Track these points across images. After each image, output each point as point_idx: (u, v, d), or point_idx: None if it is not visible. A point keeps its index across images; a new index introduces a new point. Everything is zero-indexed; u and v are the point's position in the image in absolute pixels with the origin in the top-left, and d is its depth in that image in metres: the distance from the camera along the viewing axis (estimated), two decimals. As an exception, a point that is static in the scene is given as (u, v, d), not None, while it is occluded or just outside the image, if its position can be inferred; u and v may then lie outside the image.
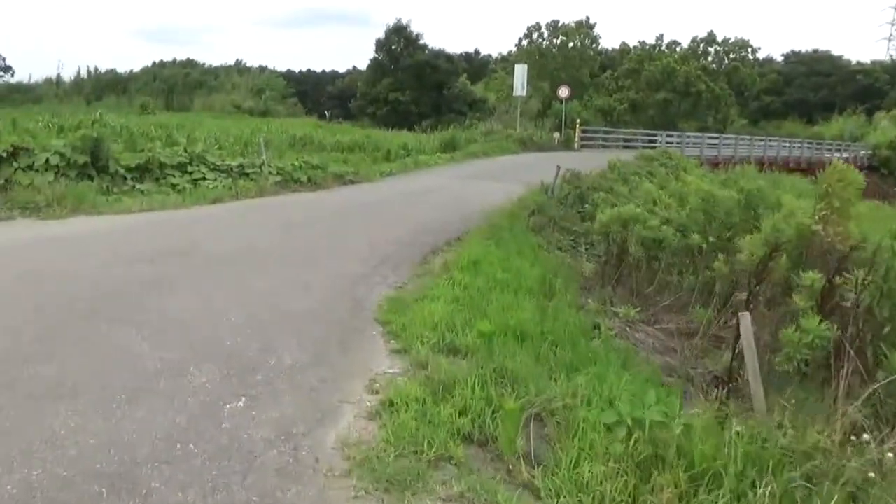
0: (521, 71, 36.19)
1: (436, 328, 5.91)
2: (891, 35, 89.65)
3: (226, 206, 12.90)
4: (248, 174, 15.24)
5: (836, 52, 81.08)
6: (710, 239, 8.51)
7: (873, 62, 77.92)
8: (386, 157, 25.12)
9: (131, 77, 74.55)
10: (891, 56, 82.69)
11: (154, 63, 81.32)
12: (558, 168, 14.44)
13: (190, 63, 79.62)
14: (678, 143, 38.65)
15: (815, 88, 75.39)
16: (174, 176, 14.34)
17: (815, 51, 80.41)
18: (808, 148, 49.03)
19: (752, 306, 6.11)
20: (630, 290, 8.55)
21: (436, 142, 30.18)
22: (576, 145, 35.53)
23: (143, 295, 6.58)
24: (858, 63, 78.10)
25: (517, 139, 32.59)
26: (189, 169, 14.74)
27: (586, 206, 13.43)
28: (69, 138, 14.07)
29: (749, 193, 10.16)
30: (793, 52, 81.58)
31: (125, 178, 13.70)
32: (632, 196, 15.68)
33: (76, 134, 14.25)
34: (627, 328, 7.15)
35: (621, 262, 8.97)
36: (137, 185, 13.65)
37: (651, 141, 40.30)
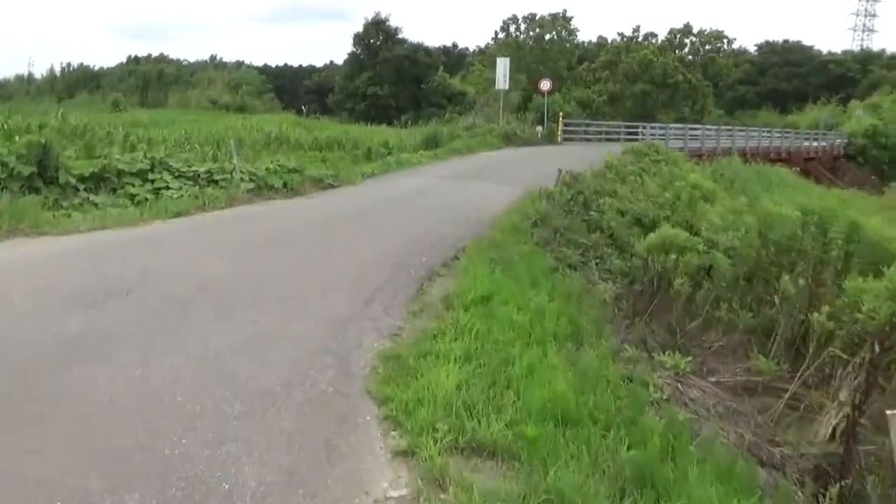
0: (503, 64, 34.52)
1: (449, 409, 4.34)
2: (856, 25, 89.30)
3: (190, 220, 11.16)
4: (217, 181, 13.49)
5: (807, 43, 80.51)
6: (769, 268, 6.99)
7: (844, 52, 77.41)
8: (366, 155, 23.42)
9: (105, 73, 71.84)
10: (860, 46, 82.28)
11: (129, 58, 78.61)
12: (560, 172, 12.90)
13: (165, 59, 77.11)
14: (661, 135, 37.20)
15: (788, 78, 74.64)
16: (133, 185, 12.59)
17: (787, 41, 79.77)
18: (787, 137, 47.91)
19: (869, 378, 4.60)
20: (667, 325, 7.03)
21: (417, 138, 28.48)
22: (559, 139, 34.03)
23: (57, 370, 4.88)
24: (829, 53, 77.53)
25: (500, 134, 31.00)
26: (151, 177, 12.99)
27: (592, 213, 11.89)
28: (14, 145, 12.25)
29: (820, 215, 8.44)
30: (766, 42, 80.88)
31: (77, 190, 11.95)
32: (636, 198, 14.18)
33: (21, 141, 12.41)
34: (679, 384, 5.62)
35: (657, 290, 7.43)
36: (91, 198, 11.89)
37: (632, 133, 38.87)
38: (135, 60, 76.45)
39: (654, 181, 16.26)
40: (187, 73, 74.32)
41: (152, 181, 12.87)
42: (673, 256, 7.56)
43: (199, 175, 13.51)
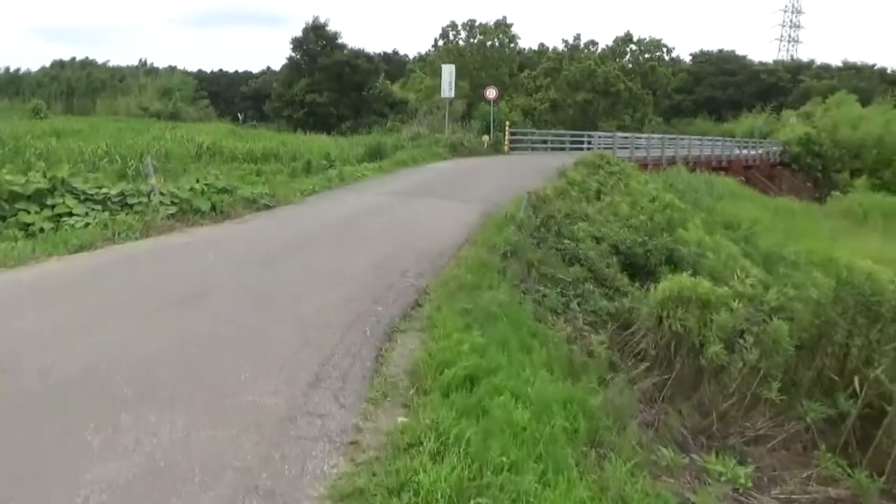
0: (448, 71, 32.97)
1: None
2: (782, 36, 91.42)
3: (93, 256, 9.15)
4: (131, 205, 11.47)
5: (739, 52, 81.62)
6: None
7: (775, 62, 78.70)
8: (306, 168, 21.56)
9: (26, 77, 67.50)
10: (790, 56, 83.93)
11: (53, 63, 74.18)
12: (528, 195, 11.36)
13: (92, 63, 72.92)
14: (608, 144, 36.27)
15: (723, 87, 75.44)
16: (28, 212, 10.49)
17: (721, 51, 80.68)
18: (727, 145, 47.83)
19: None
20: (696, 403, 5.50)
21: (359, 148, 26.68)
22: (506, 149, 32.68)
23: None
24: (761, 63, 78.73)
25: (446, 144, 29.43)
26: (50, 201, 10.89)
27: (566, 241, 10.35)
28: None
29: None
30: (701, 51, 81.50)
31: (-46, 221, 9.84)
32: (606, 219, 12.76)
33: None
34: (740, 506, 4.08)
35: (674, 354, 5.89)
36: (-27, 229, 9.80)
37: (577, 142, 37.90)
38: (59, 65, 72.10)
39: (623, 199, 14.91)
40: (116, 78, 70.55)
41: (52, 206, 10.77)
42: (686, 310, 6.06)
43: (109, 198, 11.47)
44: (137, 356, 5.53)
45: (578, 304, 8.45)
